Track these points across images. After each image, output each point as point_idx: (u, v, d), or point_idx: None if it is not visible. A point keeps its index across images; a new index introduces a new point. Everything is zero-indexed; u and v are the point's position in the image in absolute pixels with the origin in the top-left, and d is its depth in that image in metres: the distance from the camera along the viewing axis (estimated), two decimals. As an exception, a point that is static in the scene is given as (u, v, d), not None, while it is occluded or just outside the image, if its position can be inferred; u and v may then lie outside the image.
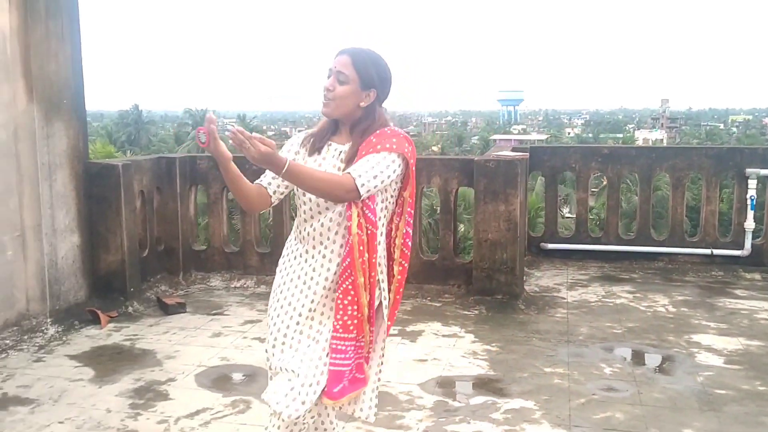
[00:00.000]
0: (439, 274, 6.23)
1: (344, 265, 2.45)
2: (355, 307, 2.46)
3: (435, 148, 69.05)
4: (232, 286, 6.50)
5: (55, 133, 5.27)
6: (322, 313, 2.52)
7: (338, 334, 2.47)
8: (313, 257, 2.53)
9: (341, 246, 2.49)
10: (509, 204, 5.79)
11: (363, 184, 2.36)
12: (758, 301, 5.94)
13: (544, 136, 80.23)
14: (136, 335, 5.16)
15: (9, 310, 5.04)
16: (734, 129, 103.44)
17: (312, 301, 2.51)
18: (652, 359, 4.70)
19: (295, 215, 2.63)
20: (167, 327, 5.35)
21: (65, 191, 5.40)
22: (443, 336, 5.13)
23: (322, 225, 2.50)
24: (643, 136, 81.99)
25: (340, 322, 2.46)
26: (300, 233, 2.57)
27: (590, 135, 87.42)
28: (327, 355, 2.48)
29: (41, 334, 5.10)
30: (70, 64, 5.39)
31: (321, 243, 2.51)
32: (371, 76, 2.48)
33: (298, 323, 2.52)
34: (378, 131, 2.47)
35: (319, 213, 2.49)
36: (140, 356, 4.74)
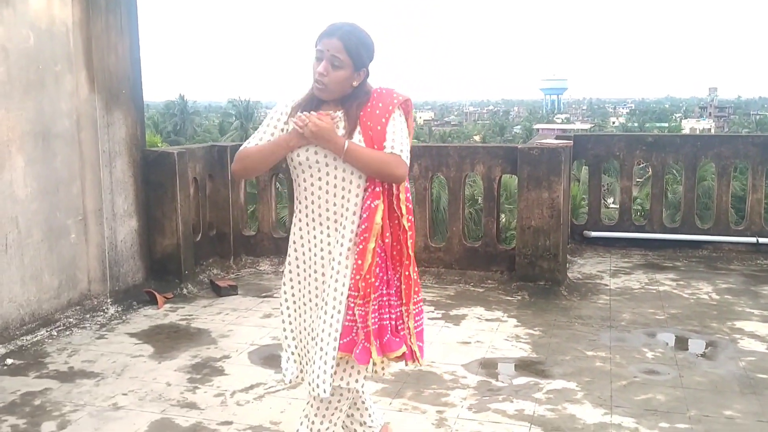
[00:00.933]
0: (481, 260, 6.33)
1: (362, 227, 2.55)
2: (363, 270, 2.53)
3: (476, 138, 68.79)
4: (281, 270, 6.70)
5: (115, 122, 5.52)
6: (345, 276, 2.57)
7: (351, 292, 2.55)
8: (327, 227, 2.60)
9: (354, 213, 2.57)
10: (552, 191, 5.86)
11: (407, 157, 2.57)
12: (804, 289, 5.92)
13: (587, 126, 79.21)
14: (191, 315, 5.40)
15: (72, 290, 5.32)
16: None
17: (336, 274, 2.56)
18: (695, 344, 4.75)
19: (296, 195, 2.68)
20: (220, 308, 5.57)
21: (124, 177, 5.65)
22: (486, 320, 5.24)
23: (341, 197, 2.56)
24: (690, 126, 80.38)
25: (352, 282, 2.55)
26: (304, 209, 2.62)
27: (635, 124, 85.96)
28: (342, 316, 2.55)
29: (102, 313, 5.36)
30: (128, 56, 5.63)
31: (336, 212, 2.57)
32: (362, 58, 2.55)
33: (326, 301, 2.57)
34: (374, 97, 2.59)
35: (336, 187, 2.56)
36: (196, 335, 4.97)
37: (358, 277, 2.54)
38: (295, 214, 2.72)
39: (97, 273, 5.48)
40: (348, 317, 2.56)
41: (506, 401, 3.83)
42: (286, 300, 2.77)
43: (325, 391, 2.53)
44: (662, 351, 4.58)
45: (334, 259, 2.58)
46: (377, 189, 2.55)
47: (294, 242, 2.72)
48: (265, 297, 5.87)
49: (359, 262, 2.54)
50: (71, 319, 5.17)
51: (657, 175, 7.32)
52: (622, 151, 7.29)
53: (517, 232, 6.18)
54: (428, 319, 5.27)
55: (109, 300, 5.49)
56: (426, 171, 6.47)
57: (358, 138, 2.54)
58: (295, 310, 2.75)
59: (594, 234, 7.32)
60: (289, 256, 2.75)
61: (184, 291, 5.96)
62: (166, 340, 4.88)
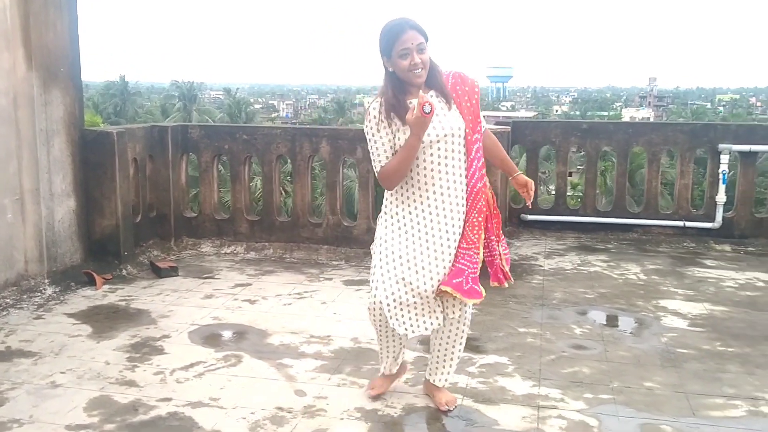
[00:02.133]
0: (422, 242, 6.46)
1: (475, 190, 3.16)
2: (477, 225, 3.18)
3: (422, 123, 68.86)
4: (223, 252, 6.72)
5: (53, 101, 5.44)
6: (457, 232, 3.19)
7: (465, 244, 3.18)
8: (442, 199, 3.13)
9: (462, 176, 3.16)
10: (490, 175, 5.98)
11: None
12: (726, 270, 6.24)
13: (531, 114, 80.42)
14: (131, 296, 5.39)
15: (9, 270, 5.25)
16: (721, 108, 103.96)
17: (455, 232, 3.18)
18: (621, 321, 4.98)
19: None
20: (160, 289, 5.57)
21: (62, 157, 5.58)
22: (425, 299, 5.37)
23: (451, 179, 3.12)
24: (630, 114, 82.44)
25: (474, 235, 3.18)
26: (419, 189, 3.13)
27: (578, 113, 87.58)
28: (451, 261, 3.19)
29: (39, 293, 5.31)
30: (67, 34, 5.54)
31: (449, 189, 3.13)
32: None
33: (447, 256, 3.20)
34: (458, 80, 3.19)
35: (454, 159, 3.13)
36: (135, 315, 4.97)
37: (475, 233, 3.18)
38: (409, 183, 3.14)
39: (35, 253, 5.42)
40: (461, 263, 3.17)
41: (441, 376, 3.97)
42: (399, 257, 3.16)
43: (440, 324, 3.30)
44: (590, 327, 4.80)
45: (452, 217, 3.15)
46: (483, 166, 3.21)
47: (411, 205, 3.16)
48: (206, 278, 5.89)
49: (479, 219, 3.17)
50: (8, 300, 5.10)
51: (591, 160, 7.57)
52: (558, 138, 7.51)
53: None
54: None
55: (46, 281, 5.43)
56: (369, 154, 6.54)
57: (455, 109, 3.13)
58: (411, 263, 3.15)
59: (530, 217, 7.54)
60: (403, 218, 3.17)
61: (124, 272, 5.93)
62: (104, 320, 4.87)
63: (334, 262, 6.44)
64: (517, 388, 3.79)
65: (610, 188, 20.43)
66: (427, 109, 2.85)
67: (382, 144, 3.10)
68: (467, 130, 3.14)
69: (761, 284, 5.81)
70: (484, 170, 3.19)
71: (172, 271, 5.97)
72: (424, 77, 3.05)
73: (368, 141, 3.16)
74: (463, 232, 3.18)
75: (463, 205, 3.17)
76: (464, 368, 4.05)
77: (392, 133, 3.08)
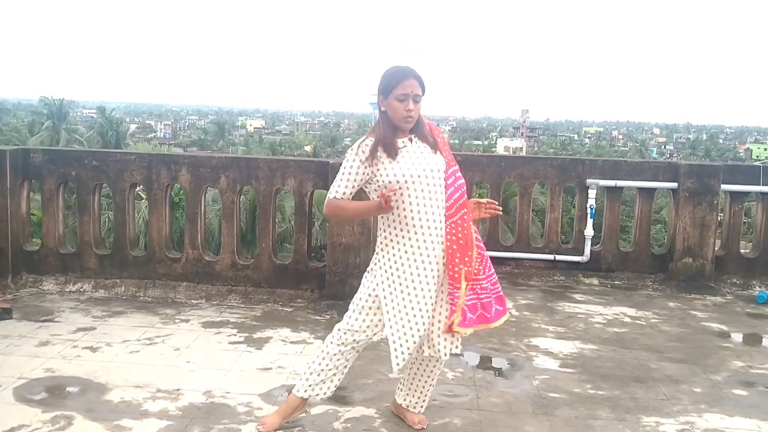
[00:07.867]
0: (291, 278, 6.11)
1: (450, 220, 3.31)
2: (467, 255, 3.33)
3: (308, 148, 68.72)
4: (67, 290, 6.06)
5: None
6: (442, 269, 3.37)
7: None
8: (423, 236, 3.29)
9: (442, 216, 3.32)
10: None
11: None
12: (594, 305, 6.25)
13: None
14: (-50, 345, 4.68)
15: None
16: (587, 140, 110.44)
17: (438, 270, 3.34)
18: (493, 363, 4.81)
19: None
20: (-13, 335, 4.89)
21: None
22: (291, 342, 5.01)
23: (434, 213, 3.29)
24: (505, 144, 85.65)
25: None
26: (405, 225, 3.29)
27: (456, 141, 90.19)
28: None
29: None
30: None
31: (433, 222, 3.29)
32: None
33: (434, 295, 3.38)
34: (431, 126, 3.43)
35: (436, 206, 3.30)
36: (-49, 369, 4.29)
37: (464, 267, 3.33)
38: (395, 227, 3.32)
39: None
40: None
41: (301, 433, 3.61)
42: (415, 298, 3.34)
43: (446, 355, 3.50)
44: (462, 371, 4.59)
45: (436, 257, 3.31)
46: (461, 197, 3.37)
47: (403, 249, 3.33)
48: (44, 321, 5.24)
49: (465, 257, 3.32)
50: None
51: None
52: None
53: (328, 249, 6.01)
54: (229, 343, 4.96)
55: None
56: (234, 184, 6.13)
57: (441, 157, 3.37)
58: (421, 306, 3.34)
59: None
60: (403, 264, 3.34)
61: (-55, 316, 5.18)
62: None
63: (193, 301, 5.94)
64: (383, 447, 3.49)
65: (492, 220, 20.81)
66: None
67: (352, 177, 3.24)
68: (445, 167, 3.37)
69: (627, 320, 5.85)
70: (462, 200, 3.35)
71: (4, 314, 5.27)
72: (412, 125, 3.26)
73: (341, 167, 3.26)
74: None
75: (442, 237, 3.32)
76: (330, 423, 3.72)
77: (372, 173, 3.24)
